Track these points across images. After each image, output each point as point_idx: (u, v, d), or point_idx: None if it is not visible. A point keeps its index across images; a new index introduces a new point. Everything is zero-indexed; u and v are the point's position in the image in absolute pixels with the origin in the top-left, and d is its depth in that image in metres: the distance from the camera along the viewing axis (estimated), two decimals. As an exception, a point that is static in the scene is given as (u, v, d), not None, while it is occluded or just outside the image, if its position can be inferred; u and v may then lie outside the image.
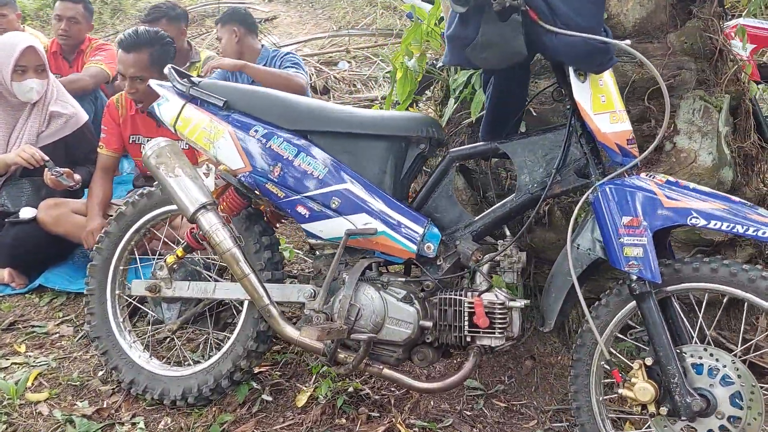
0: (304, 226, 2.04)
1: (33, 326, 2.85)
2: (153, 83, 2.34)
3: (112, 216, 3.19)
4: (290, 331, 1.97)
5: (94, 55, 4.53)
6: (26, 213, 3.18)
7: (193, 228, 2.19)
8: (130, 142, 3.35)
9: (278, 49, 4.48)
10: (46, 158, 3.08)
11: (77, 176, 3.20)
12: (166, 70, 2.30)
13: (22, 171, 3.28)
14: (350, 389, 2.30)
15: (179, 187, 2.00)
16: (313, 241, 2.08)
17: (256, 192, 2.09)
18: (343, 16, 9.33)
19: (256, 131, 2.08)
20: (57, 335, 2.79)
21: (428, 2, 4.08)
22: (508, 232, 1.99)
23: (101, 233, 2.39)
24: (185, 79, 2.22)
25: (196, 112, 2.17)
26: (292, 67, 4.16)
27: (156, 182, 2.28)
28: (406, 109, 2.97)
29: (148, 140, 3.28)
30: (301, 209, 2.03)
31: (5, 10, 5.89)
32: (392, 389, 2.33)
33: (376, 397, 2.28)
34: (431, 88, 3.39)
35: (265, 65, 4.30)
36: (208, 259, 2.33)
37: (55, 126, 3.31)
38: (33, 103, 3.25)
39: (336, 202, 1.99)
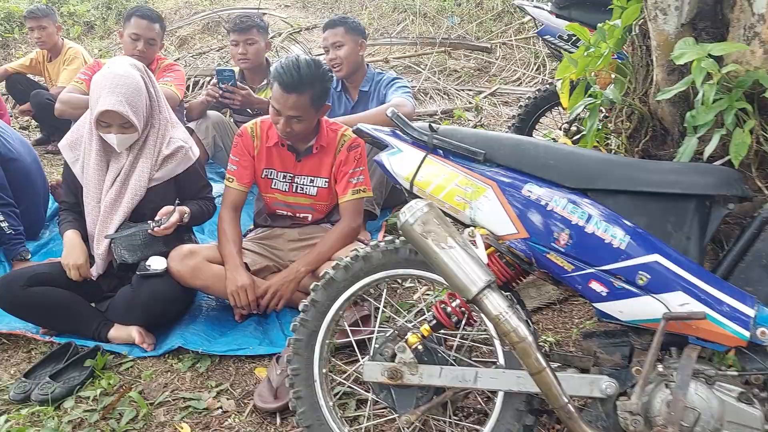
0: (598, 305, 1.70)
1: (185, 399, 2.47)
2: (368, 128, 1.98)
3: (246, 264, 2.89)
4: (596, 436, 1.63)
5: (162, 76, 4.16)
6: (157, 264, 2.78)
7: (444, 302, 1.84)
8: (262, 176, 2.99)
9: (383, 72, 4.12)
10: (93, 276, 2.87)
11: (183, 208, 2.88)
12: (389, 113, 1.94)
13: (130, 216, 2.90)
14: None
15: (454, 261, 1.64)
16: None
17: (529, 262, 1.74)
18: (369, 23, 8.97)
19: (530, 190, 1.73)
20: (219, 410, 2.41)
21: (567, 19, 3.76)
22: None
23: (306, 302, 2.03)
24: (424, 126, 1.87)
25: (442, 165, 1.82)
26: (398, 93, 3.82)
27: (398, 243, 1.94)
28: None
29: (283, 174, 2.96)
30: (596, 285, 1.68)
31: (45, 22, 5.51)
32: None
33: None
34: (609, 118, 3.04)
35: (369, 88, 3.97)
36: (443, 335, 1.97)
37: (167, 167, 2.90)
38: (142, 146, 2.88)
39: (644, 277, 1.65)
